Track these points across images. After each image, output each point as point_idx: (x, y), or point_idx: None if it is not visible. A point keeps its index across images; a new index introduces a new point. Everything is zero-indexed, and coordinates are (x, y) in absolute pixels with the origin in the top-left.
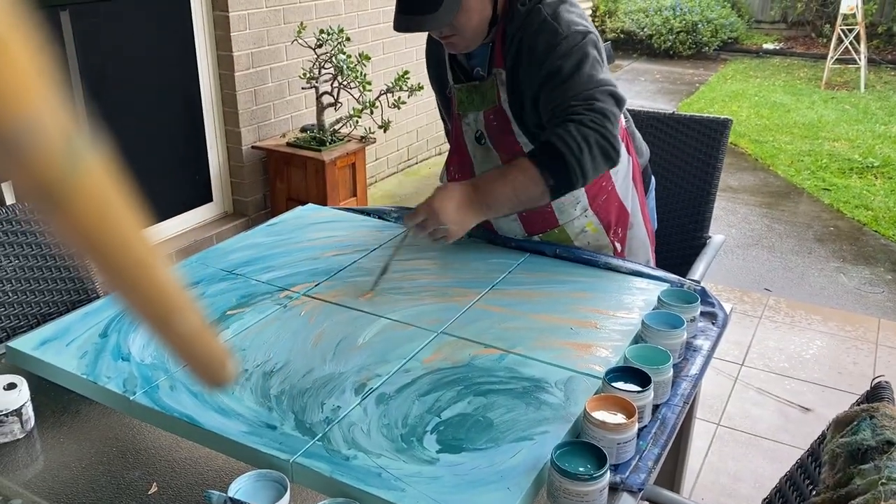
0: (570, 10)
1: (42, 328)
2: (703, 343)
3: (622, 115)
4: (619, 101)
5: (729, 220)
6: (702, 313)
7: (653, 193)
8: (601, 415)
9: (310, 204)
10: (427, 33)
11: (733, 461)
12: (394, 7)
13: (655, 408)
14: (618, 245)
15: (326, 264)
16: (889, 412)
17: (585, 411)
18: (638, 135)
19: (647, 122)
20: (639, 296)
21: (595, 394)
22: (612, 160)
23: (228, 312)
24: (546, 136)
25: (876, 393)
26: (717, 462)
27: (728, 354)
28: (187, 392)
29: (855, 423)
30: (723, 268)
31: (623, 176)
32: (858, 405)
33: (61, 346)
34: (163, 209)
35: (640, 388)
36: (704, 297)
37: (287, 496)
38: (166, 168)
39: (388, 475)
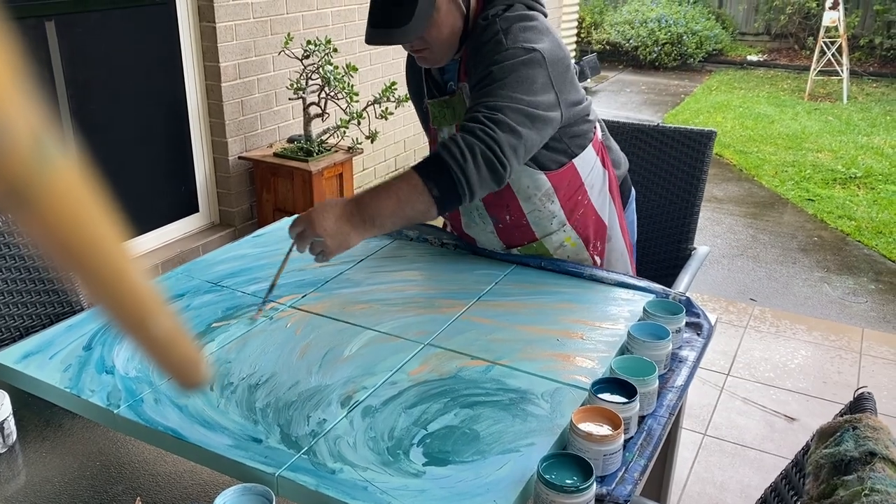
0: (528, 26)
1: (25, 341)
2: (689, 354)
3: (596, 127)
4: (534, 120)
5: (714, 231)
6: (687, 324)
7: (633, 205)
8: (587, 426)
9: (296, 215)
10: None
11: (720, 471)
12: None
13: (641, 419)
14: (597, 258)
15: (312, 276)
16: (871, 423)
17: (572, 423)
18: (615, 146)
19: (631, 133)
20: (624, 307)
21: (581, 405)
22: (499, 175)
23: (214, 325)
24: (436, 146)
25: (859, 404)
26: (703, 472)
27: (714, 364)
28: (172, 405)
29: (838, 434)
30: (708, 278)
31: (599, 189)
32: (842, 416)
33: (44, 359)
34: (149, 219)
35: (626, 400)
36: (689, 307)
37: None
38: (152, 178)
39: (374, 488)
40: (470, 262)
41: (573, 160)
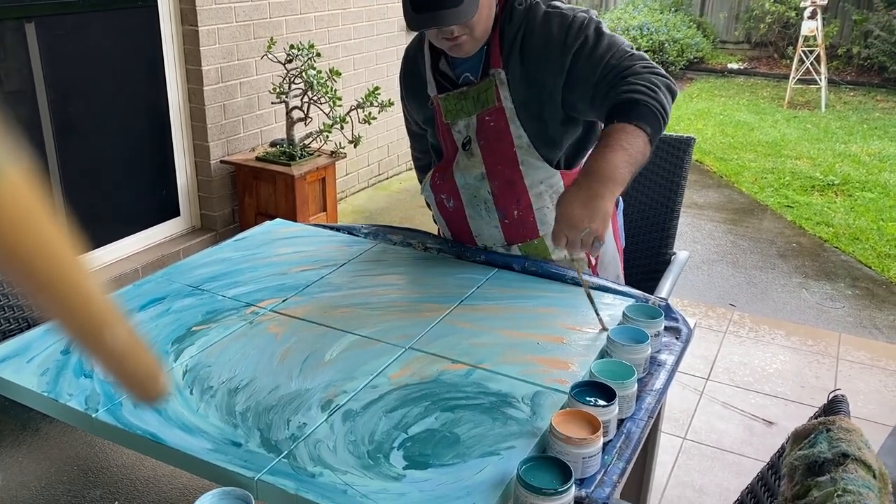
0: (559, 4)
1: (2, 345)
2: (668, 358)
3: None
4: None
5: (694, 237)
6: (666, 328)
7: (621, 211)
8: (567, 429)
9: (278, 219)
10: (404, 47)
11: (699, 474)
12: (366, 24)
13: (620, 422)
14: (592, 258)
15: (294, 280)
16: (845, 425)
17: (551, 426)
18: None
19: None
20: (605, 311)
21: (561, 408)
22: (675, 93)
23: (194, 328)
24: (615, 99)
25: (833, 406)
26: (683, 476)
27: (694, 369)
28: (151, 409)
29: (812, 436)
30: (688, 283)
31: None
32: (816, 419)
33: (21, 363)
34: (129, 223)
35: (605, 403)
36: (668, 312)
37: None
38: (132, 182)
39: (353, 492)
40: (452, 266)
41: (584, 160)
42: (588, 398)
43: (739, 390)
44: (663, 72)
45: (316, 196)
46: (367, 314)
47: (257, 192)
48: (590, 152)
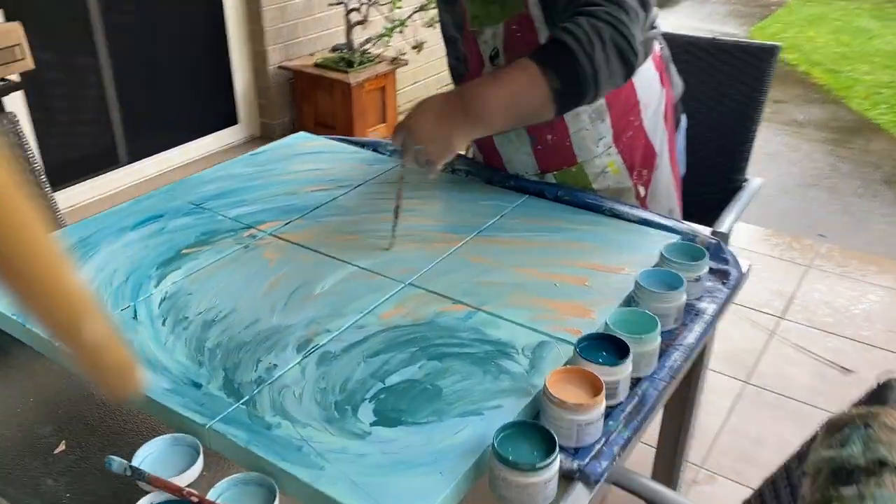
0: None
1: None
2: (708, 306)
3: (657, 42)
4: (644, 3)
5: (790, 158)
6: (712, 270)
7: (683, 133)
8: (562, 391)
9: (302, 132)
10: None
11: (758, 424)
12: None
13: (637, 382)
14: (641, 189)
15: (303, 200)
16: (889, 422)
17: (545, 386)
18: (672, 66)
19: (682, 47)
20: (642, 250)
21: (565, 364)
22: (629, 63)
23: (185, 251)
24: (552, 32)
25: (881, 394)
26: (738, 424)
27: (767, 306)
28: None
29: (846, 430)
30: (776, 210)
31: (654, 110)
32: (855, 407)
33: None
34: (184, 130)
35: (614, 361)
36: (717, 252)
37: (198, 465)
38: (190, 89)
39: (309, 449)
40: (478, 191)
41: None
42: (597, 354)
43: (816, 332)
44: (630, 31)
45: (375, 106)
46: (372, 243)
47: (315, 100)
48: (486, 72)
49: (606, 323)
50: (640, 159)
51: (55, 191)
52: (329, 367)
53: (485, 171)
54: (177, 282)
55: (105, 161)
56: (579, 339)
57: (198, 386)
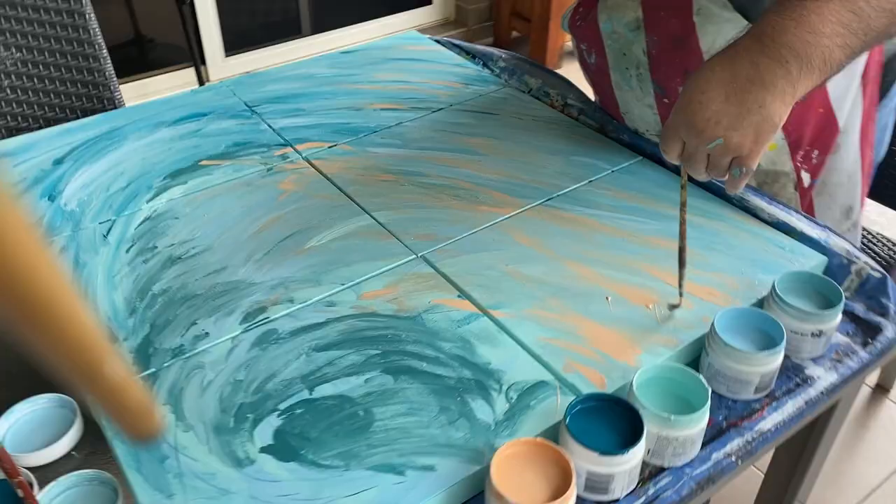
0: None
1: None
2: (824, 375)
3: None
4: None
5: None
6: (855, 318)
7: (893, 104)
8: (509, 477)
9: (413, 31)
10: None
11: None
12: None
13: (659, 472)
14: (805, 175)
15: (364, 120)
16: None
17: (489, 465)
18: None
19: None
20: (757, 270)
21: (539, 433)
22: None
23: (203, 162)
24: None
25: None
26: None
27: None
28: (73, 261)
29: None
30: None
31: (845, 72)
32: None
33: (13, 162)
34: (374, 6)
35: (610, 447)
36: (878, 293)
37: (74, 430)
38: None
39: (172, 464)
40: (577, 140)
41: None
42: (594, 427)
43: None
44: None
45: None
46: (409, 190)
47: None
48: None
49: (631, 383)
50: (811, 134)
51: (230, 55)
52: (263, 352)
53: (599, 114)
54: (173, 199)
55: (287, 30)
56: (577, 399)
57: (114, 340)
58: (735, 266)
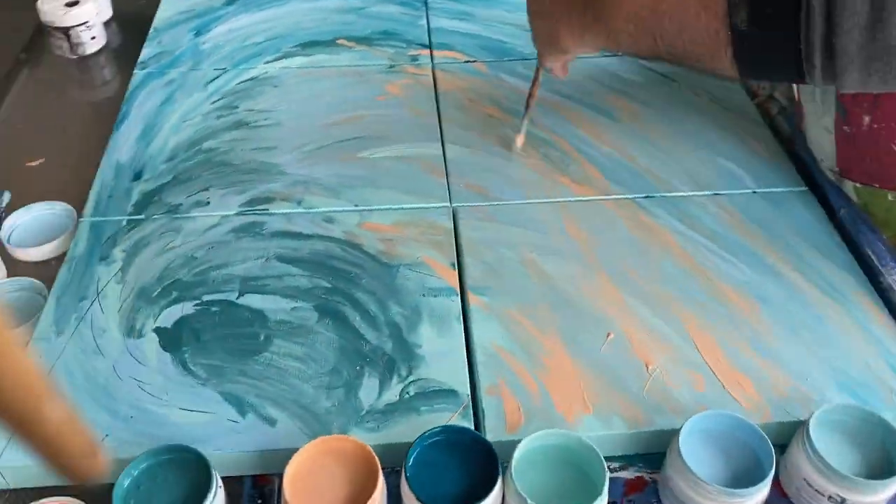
0: None
1: None
2: None
3: None
4: None
5: None
6: None
7: None
8: (310, 480)
9: None
10: None
11: None
12: None
13: None
14: None
15: (523, 42)
16: None
17: (286, 471)
18: None
19: None
20: (830, 384)
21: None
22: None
23: (338, 41)
24: None
25: None
26: None
27: None
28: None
29: None
30: None
31: None
32: None
33: None
34: None
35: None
36: None
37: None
38: None
39: (83, 306)
40: (749, 144)
41: None
42: (434, 473)
43: None
44: None
45: None
46: (502, 133)
47: None
48: None
49: (516, 454)
50: None
51: None
52: (235, 241)
53: (796, 120)
54: (287, 69)
55: None
56: (427, 432)
57: (137, 176)
58: (804, 368)
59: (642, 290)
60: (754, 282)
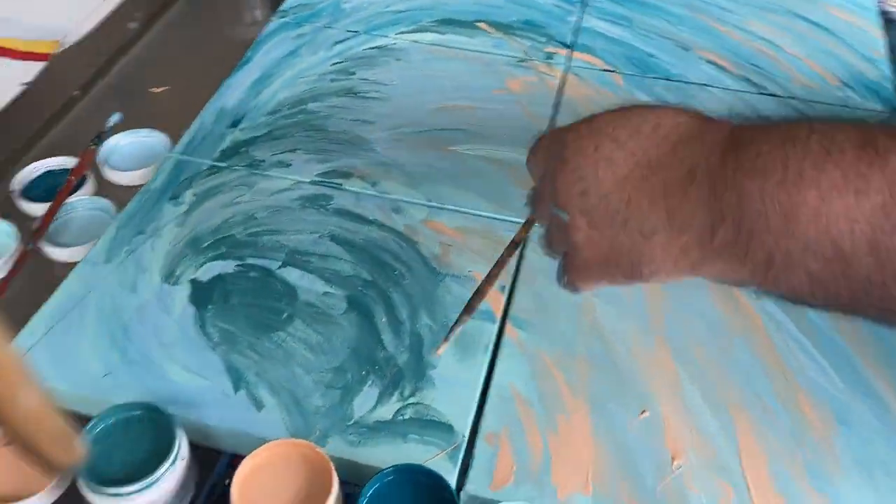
0: None
1: None
2: None
3: None
4: None
5: None
6: None
7: None
8: (255, 484)
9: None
10: None
11: None
12: None
13: None
14: None
15: (677, 61)
16: None
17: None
18: None
19: None
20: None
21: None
22: None
23: (479, 23)
24: None
25: None
26: None
27: None
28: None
29: None
30: None
31: None
32: None
33: None
34: None
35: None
36: None
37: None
38: None
39: (139, 241)
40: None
41: None
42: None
43: None
44: None
45: None
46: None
47: None
48: None
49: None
50: None
51: None
52: (299, 209)
53: None
54: (417, 43)
55: None
56: (379, 473)
57: (235, 124)
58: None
59: (702, 372)
60: (841, 398)
